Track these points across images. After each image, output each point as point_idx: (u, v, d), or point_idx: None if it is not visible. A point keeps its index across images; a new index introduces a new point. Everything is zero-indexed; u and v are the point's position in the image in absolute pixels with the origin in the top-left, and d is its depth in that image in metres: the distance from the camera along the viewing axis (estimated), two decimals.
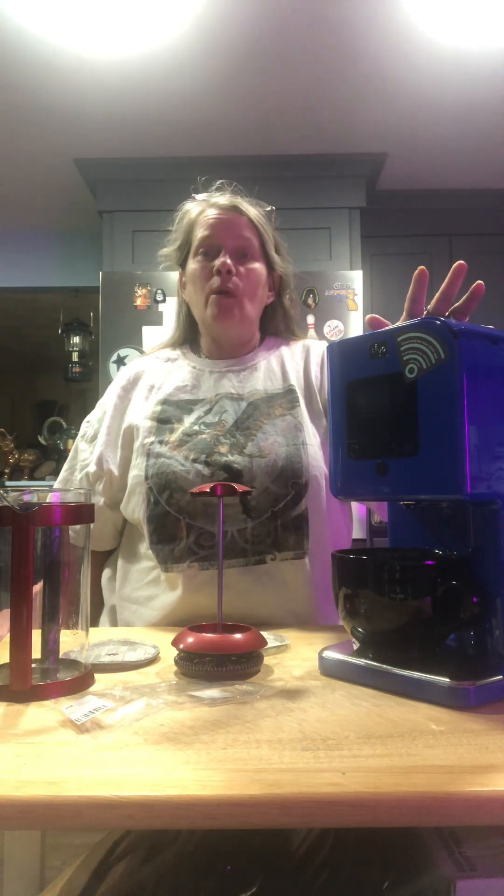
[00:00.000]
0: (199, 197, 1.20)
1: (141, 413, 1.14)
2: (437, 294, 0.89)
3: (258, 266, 1.16)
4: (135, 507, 1.09)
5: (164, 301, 2.97)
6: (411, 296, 0.89)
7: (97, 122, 2.89)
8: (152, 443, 1.09)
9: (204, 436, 1.08)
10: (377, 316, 0.89)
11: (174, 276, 2.91)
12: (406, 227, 3.51)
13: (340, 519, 1.14)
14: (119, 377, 1.24)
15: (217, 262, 1.12)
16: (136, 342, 2.95)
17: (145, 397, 1.17)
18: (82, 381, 4.56)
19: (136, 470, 1.09)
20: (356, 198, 3.24)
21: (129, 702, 0.64)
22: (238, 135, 3.01)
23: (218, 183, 1.20)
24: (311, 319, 2.94)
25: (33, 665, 0.69)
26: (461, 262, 0.87)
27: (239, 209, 1.15)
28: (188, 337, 1.26)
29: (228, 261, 1.12)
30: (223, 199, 1.16)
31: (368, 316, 0.90)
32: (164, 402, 1.14)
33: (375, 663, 0.70)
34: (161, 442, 1.08)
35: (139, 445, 1.11)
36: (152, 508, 1.06)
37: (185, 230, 1.19)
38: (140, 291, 2.97)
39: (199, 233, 1.15)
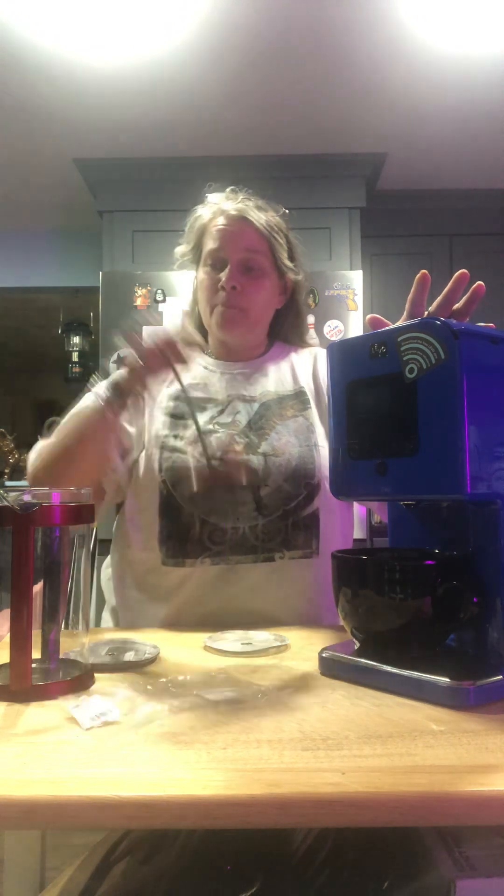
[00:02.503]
0: (211, 198, 1.19)
1: (155, 403, 1.13)
2: (439, 298, 0.89)
3: (265, 278, 1.15)
4: (146, 501, 1.08)
5: (164, 301, 2.97)
6: (412, 298, 0.89)
7: (97, 122, 2.88)
8: (167, 436, 1.09)
9: (219, 434, 1.08)
10: (378, 316, 0.89)
11: (174, 276, 2.93)
12: (406, 227, 3.51)
13: (348, 520, 1.15)
14: None
15: (222, 279, 1.12)
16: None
17: (160, 389, 1.14)
18: (82, 381, 4.54)
19: (150, 463, 1.08)
20: (356, 198, 3.24)
21: (133, 704, 0.64)
22: (238, 135, 3.01)
23: (229, 189, 1.19)
24: (311, 319, 2.92)
25: (33, 665, 0.69)
26: (464, 270, 0.87)
27: (247, 219, 1.13)
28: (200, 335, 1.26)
29: (233, 277, 1.12)
30: (232, 206, 1.15)
31: (369, 316, 0.91)
32: (177, 397, 1.13)
33: (375, 663, 0.70)
34: (176, 437, 1.08)
35: (153, 437, 1.10)
36: (165, 502, 1.06)
37: (197, 234, 1.19)
38: (140, 291, 2.97)
39: (208, 243, 1.15)
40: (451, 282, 0.88)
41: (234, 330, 1.16)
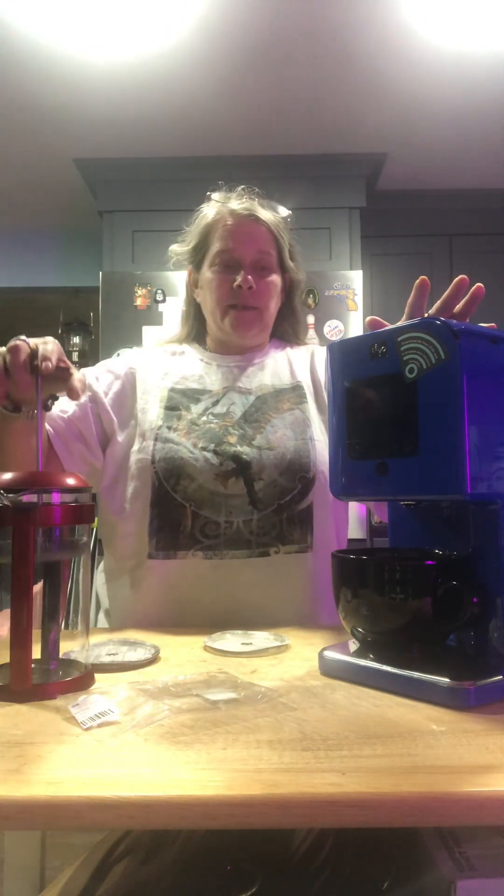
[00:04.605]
0: (215, 197, 1.18)
1: (150, 395, 1.13)
2: (438, 303, 0.89)
3: (275, 277, 1.16)
4: (138, 490, 1.07)
5: (164, 301, 2.97)
6: (411, 302, 0.90)
7: (97, 122, 2.89)
8: (160, 427, 1.08)
9: (212, 425, 1.08)
10: (377, 318, 0.90)
11: (174, 275, 2.93)
12: (406, 227, 3.51)
13: (343, 516, 1.15)
14: (129, 358, 1.21)
15: (238, 279, 1.12)
16: (136, 342, 2.95)
17: (155, 382, 1.15)
18: None
19: (142, 454, 1.07)
20: (356, 198, 3.24)
21: (133, 704, 0.64)
22: (238, 135, 3.01)
23: (239, 189, 1.18)
24: (311, 319, 2.94)
25: (33, 665, 0.69)
26: (463, 276, 0.87)
27: (257, 218, 1.13)
28: (196, 334, 1.26)
29: (250, 277, 1.12)
30: (241, 206, 1.14)
31: (369, 318, 0.91)
32: (172, 389, 1.13)
33: (375, 663, 0.70)
34: (169, 427, 1.08)
35: (147, 429, 1.09)
36: (157, 493, 1.05)
37: (202, 233, 1.18)
38: (140, 291, 2.97)
39: (218, 243, 1.14)
40: (451, 287, 0.88)
41: (250, 331, 1.16)
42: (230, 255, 1.13)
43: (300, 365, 1.20)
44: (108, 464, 1.12)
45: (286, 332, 1.26)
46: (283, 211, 1.20)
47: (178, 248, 1.22)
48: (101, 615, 1.18)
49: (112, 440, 1.12)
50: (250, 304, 1.13)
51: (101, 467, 1.12)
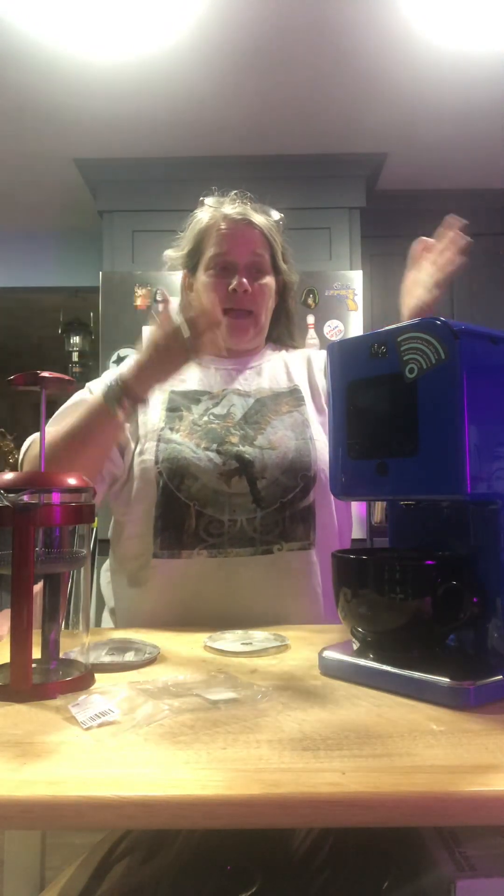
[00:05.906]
0: (208, 202, 1.19)
1: (151, 400, 1.12)
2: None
3: (269, 279, 1.17)
4: (142, 492, 1.08)
5: (163, 301, 2.96)
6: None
7: (97, 122, 2.88)
8: (163, 429, 1.09)
9: (214, 426, 1.09)
10: (427, 240, 1.09)
11: (175, 276, 2.92)
12: (406, 227, 3.48)
13: (345, 513, 1.16)
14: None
15: (234, 283, 1.13)
16: (135, 342, 2.94)
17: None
18: (82, 381, 4.54)
19: (146, 455, 1.09)
20: (356, 198, 3.24)
21: (133, 704, 0.64)
22: (238, 135, 3.01)
23: (232, 193, 1.19)
24: (311, 319, 2.94)
25: (33, 665, 0.69)
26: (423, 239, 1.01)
27: (251, 221, 1.15)
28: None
29: (245, 281, 1.12)
30: (234, 210, 1.15)
31: (418, 243, 1.12)
32: (172, 391, 1.14)
33: (375, 663, 0.70)
34: (171, 429, 1.09)
35: (149, 431, 1.10)
36: (161, 493, 1.06)
37: (196, 239, 1.18)
38: (140, 291, 2.97)
39: (212, 248, 1.15)
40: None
41: (246, 335, 1.17)
42: (225, 258, 1.14)
43: (297, 369, 1.21)
44: None
45: (282, 334, 1.27)
46: (276, 214, 1.21)
47: (173, 253, 1.23)
48: (107, 614, 1.19)
49: (126, 450, 1.12)
50: (246, 307, 1.14)
51: (122, 477, 1.12)
